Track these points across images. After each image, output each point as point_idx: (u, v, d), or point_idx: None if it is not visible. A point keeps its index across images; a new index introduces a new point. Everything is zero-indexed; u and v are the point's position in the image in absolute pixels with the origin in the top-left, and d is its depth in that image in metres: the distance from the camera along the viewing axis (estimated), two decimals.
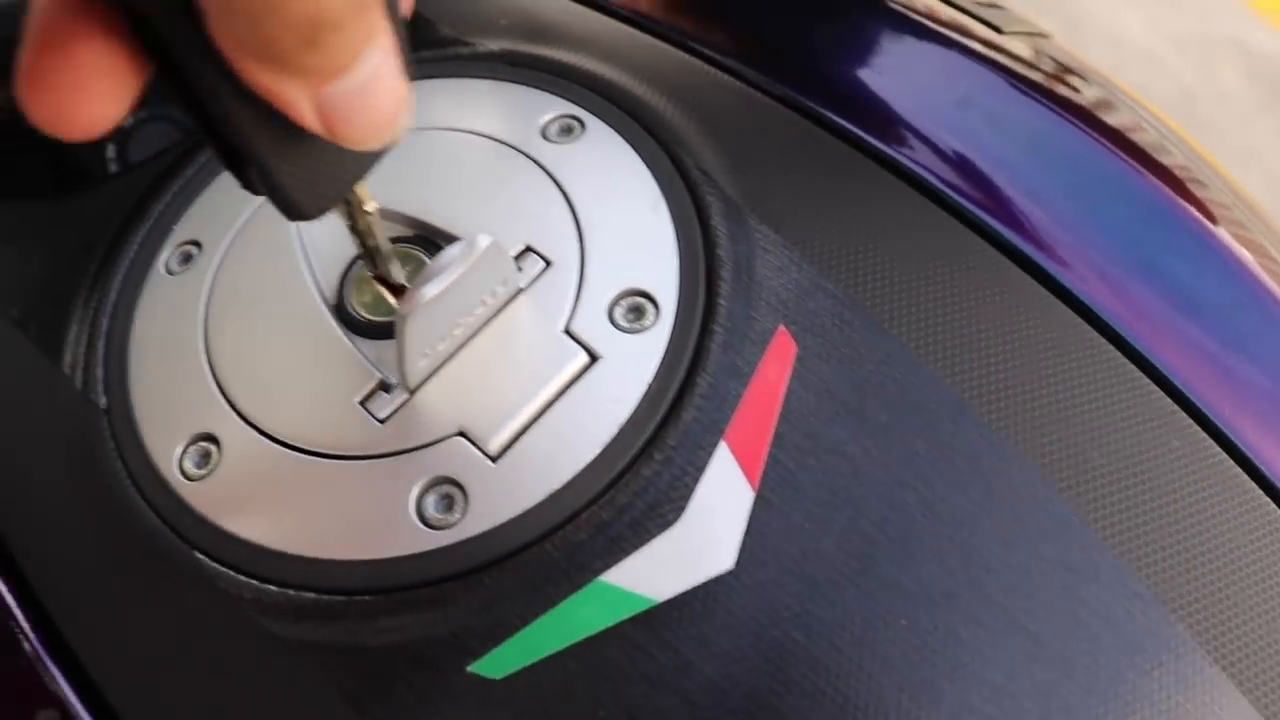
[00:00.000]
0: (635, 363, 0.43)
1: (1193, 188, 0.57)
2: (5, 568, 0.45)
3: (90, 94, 0.27)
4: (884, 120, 0.53)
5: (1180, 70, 2.42)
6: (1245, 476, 0.46)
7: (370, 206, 0.39)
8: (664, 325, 0.44)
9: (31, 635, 0.43)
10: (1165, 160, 0.58)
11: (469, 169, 0.49)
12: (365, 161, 0.36)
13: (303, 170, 0.33)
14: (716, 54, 0.55)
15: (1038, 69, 0.61)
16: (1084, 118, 0.57)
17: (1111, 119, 0.59)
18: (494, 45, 0.56)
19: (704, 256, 0.46)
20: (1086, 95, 0.61)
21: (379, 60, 0.28)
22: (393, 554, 0.40)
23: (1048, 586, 0.41)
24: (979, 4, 0.63)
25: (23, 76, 0.26)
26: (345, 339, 0.45)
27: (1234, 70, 2.44)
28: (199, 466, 0.44)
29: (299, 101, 0.28)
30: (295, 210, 0.34)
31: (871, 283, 0.46)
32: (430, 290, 0.38)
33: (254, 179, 0.33)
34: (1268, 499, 0.46)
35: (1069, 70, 0.64)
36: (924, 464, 0.42)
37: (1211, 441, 0.46)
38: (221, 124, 0.30)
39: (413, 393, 0.43)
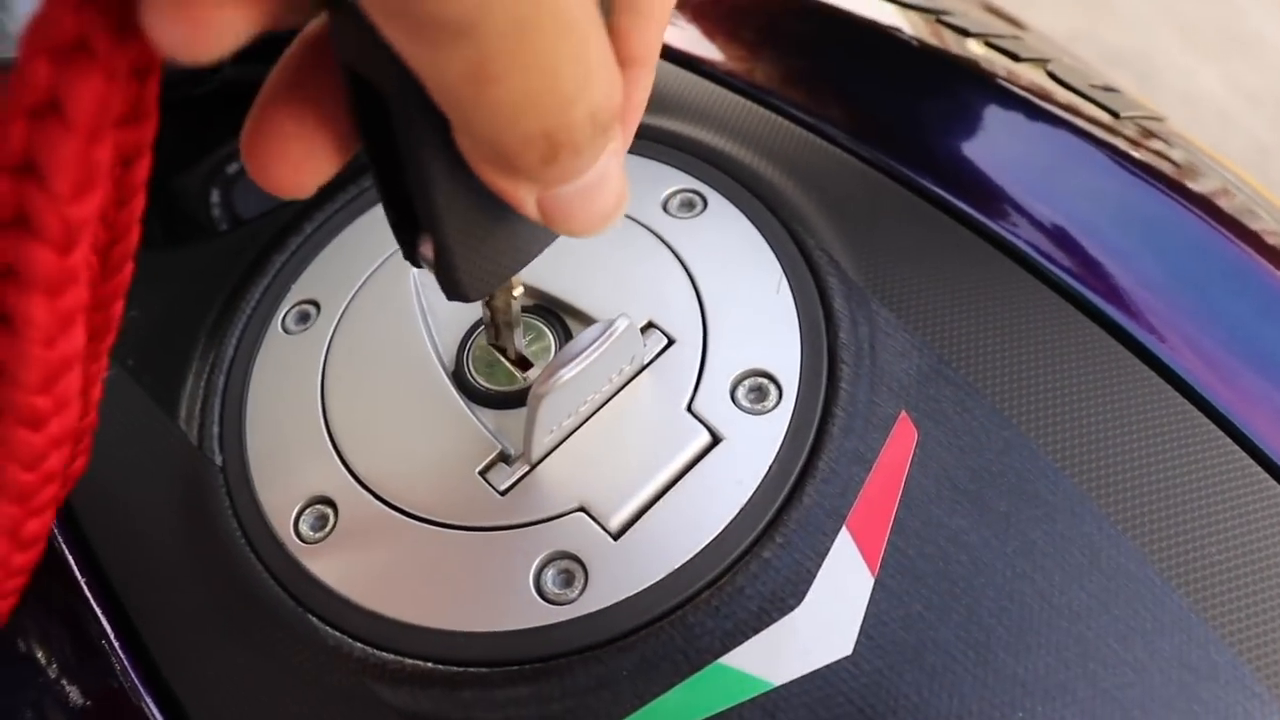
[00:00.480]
0: (757, 444, 0.43)
1: None
2: (118, 624, 0.45)
3: (297, 159, 0.28)
4: (1004, 205, 0.53)
5: (1255, 127, 2.39)
6: None
7: (518, 291, 0.40)
8: (786, 407, 0.44)
9: (144, 695, 0.44)
10: (1255, 225, 0.57)
11: (593, 242, 0.50)
12: (536, 249, 0.37)
13: (479, 255, 0.34)
14: (835, 130, 0.56)
15: (1145, 148, 0.61)
16: (1204, 207, 0.57)
17: (1198, 185, 0.59)
18: None
19: (826, 338, 0.46)
20: (1206, 184, 0.61)
21: (607, 164, 0.28)
22: (510, 627, 0.41)
23: (1164, 684, 0.40)
24: (1096, 88, 0.63)
25: (245, 132, 0.28)
26: (465, 407, 0.46)
27: None
28: (315, 530, 0.44)
29: (525, 198, 0.28)
30: (459, 292, 0.35)
31: (992, 370, 0.46)
32: (568, 372, 0.39)
33: (422, 254, 0.34)
34: None
35: (1151, 134, 0.63)
36: (1042, 555, 0.42)
37: None
38: (422, 203, 0.30)
39: (534, 466, 0.44)
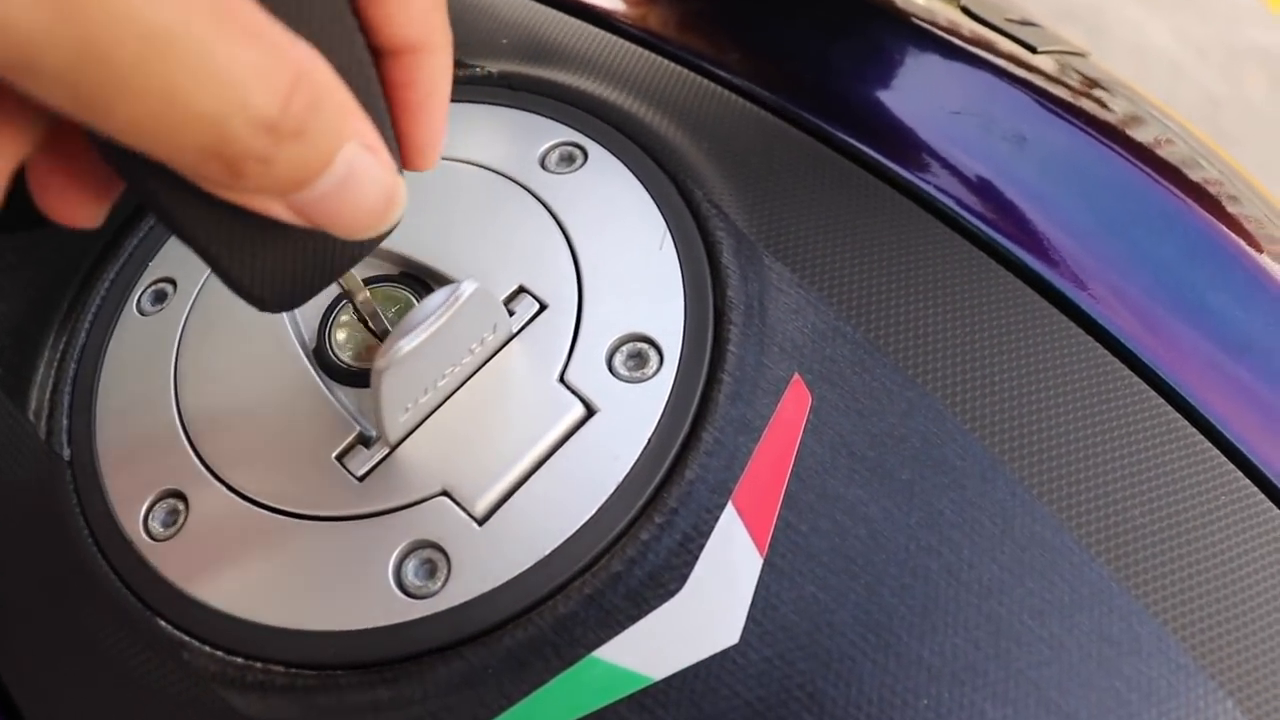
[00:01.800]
0: (635, 415, 0.40)
1: (1227, 204, 0.53)
2: None
3: (74, 203, 0.30)
4: (908, 146, 0.49)
5: (1205, 79, 2.39)
6: None
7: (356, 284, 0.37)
8: (667, 374, 0.40)
9: None
10: (1198, 176, 0.54)
11: (461, 201, 0.46)
12: (343, 257, 0.33)
13: (261, 267, 0.31)
14: (730, 75, 0.52)
15: (1065, 85, 0.57)
16: (1114, 137, 0.54)
17: (1141, 135, 0.55)
18: (494, 67, 0.53)
19: (712, 298, 0.42)
20: (1116, 111, 0.57)
21: (356, 157, 0.27)
22: (368, 625, 0.37)
23: (1084, 660, 0.37)
24: (1012, 22, 0.59)
25: (28, 180, 0.29)
26: (323, 387, 0.42)
27: (1259, 79, 2.40)
28: (165, 526, 0.41)
29: (268, 206, 0.27)
30: (260, 305, 0.32)
31: (896, 327, 0.43)
32: (408, 343, 0.35)
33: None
34: None
35: (1097, 85, 0.60)
36: (949, 526, 0.38)
37: (1261, 494, 0.43)
38: (171, 227, 0.29)
39: (394, 448, 0.40)
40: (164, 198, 0.27)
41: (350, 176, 0.27)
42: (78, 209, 0.30)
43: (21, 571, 0.43)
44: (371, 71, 0.31)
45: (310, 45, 0.25)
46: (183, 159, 0.24)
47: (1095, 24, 2.48)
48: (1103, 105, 0.56)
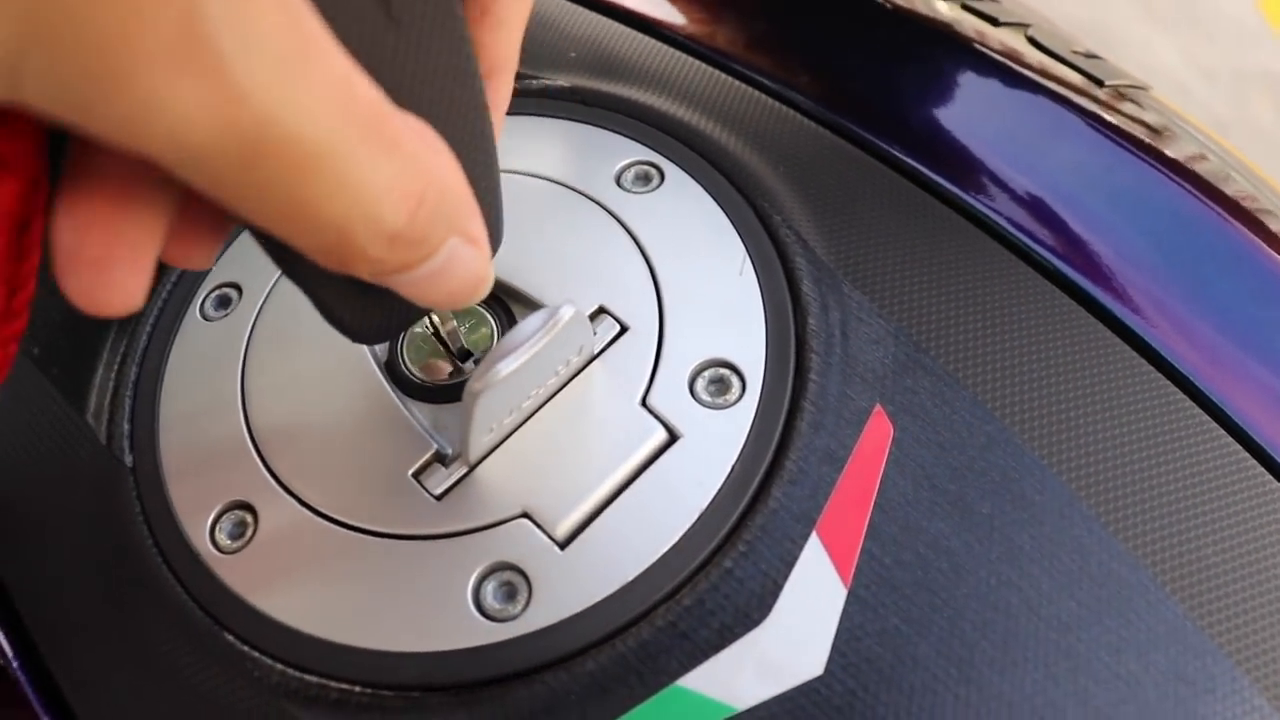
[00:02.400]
0: (718, 442, 0.40)
1: (1265, 219, 0.53)
2: (16, 640, 0.42)
3: (122, 279, 0.28)
4: (985, 179, 0.49)
5: (1212, 102, 2.40)
6: None
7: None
8: (750, 401, 0.40)
9: (44, 717, 0.40)
10: (1230, 190, 0.54)
11: (537, 217, 0.46)
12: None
13: (362, 309, 0.33)
14: (802, 98, 0.52)
15: (1131, 119, 0.57)
16: (1181, 174, 0.54)
17: (1172, 149, 0.55)
18: (563, 80, 0.53)
19: (793, 325, 0.42)
20: (1180, 146, 0.57)
21: (457, 249, 0.28)
22: (446, 647, 0.37)
23: (1160, 699, 0.37)
24: (1077, 54, 0.59)
25: (54, 257, 0.27)
26: (398, 402, 0.42)
27: (1266, 103, 2.41)
28: (232, 538, 0.41)
29: (368, 278, 0.28)
30: (355, 338, 0.34)
31: (973, 359, 0.43)
32: (507, 366, 0.35)
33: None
34: None
35: (1122, 96, 0.60)
36: (1029, 561, 0.38)
37: None
38: (285, 270, 0.31)
39: (473, 467, 0.40)
40: (272, 246, 0.29)
41: (447, 265, 0.28)
42: (192, 253, 0.30)
43: (81, 580, 0.42)
44: (492, 141, 0.33)
45: (442, 140, 0.27)
46: (303, 247, 0.25)
47: (1102, 41, 2.48)
48: (1166, 139, 0.56)
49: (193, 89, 0.20)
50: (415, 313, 0.35)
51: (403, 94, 0.27)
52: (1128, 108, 0.58)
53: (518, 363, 0.35)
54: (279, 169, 0.22)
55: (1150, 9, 2.60)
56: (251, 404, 0.43)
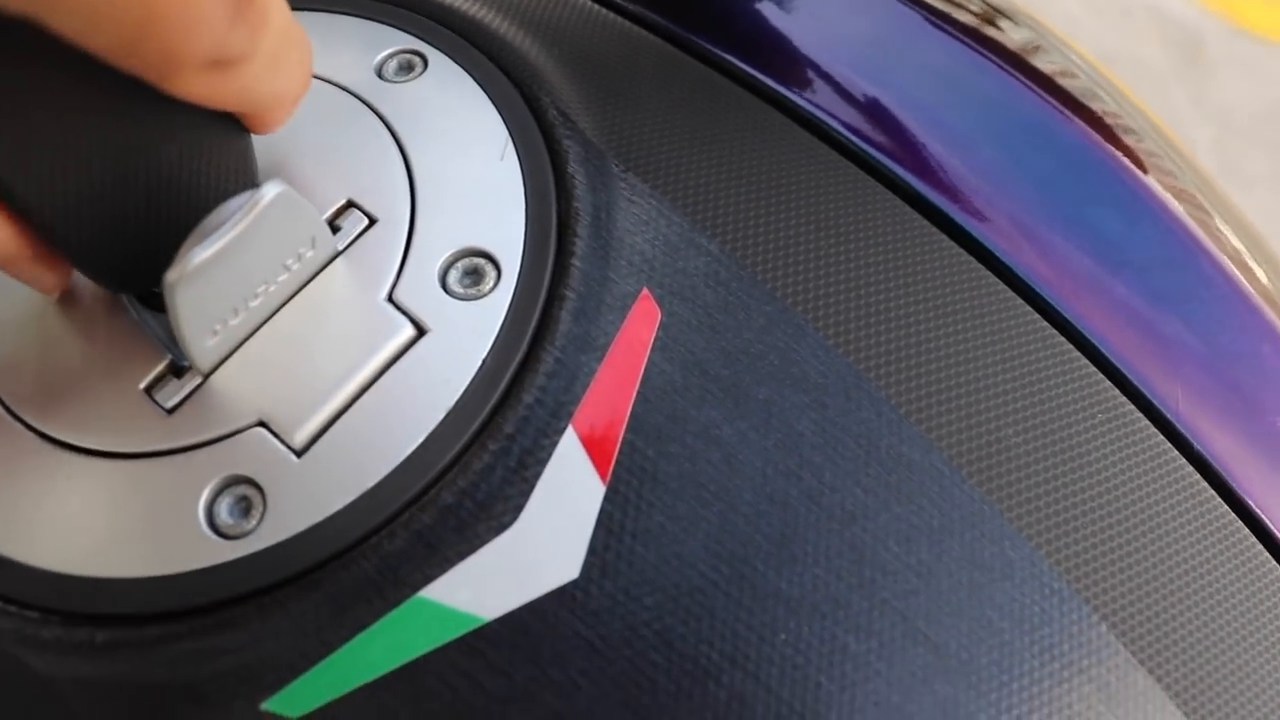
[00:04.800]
0: (469, 335, 0.36)
1: (1123, 135, 0.51)
2: None
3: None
4: (776, 53, 0.47)
5: (1099, 35, 2.41)
6: (1175, 451, 0.41)
7: None
8: (505, 290, 0.37)
9: None
10: (1095, 106, 0.52)
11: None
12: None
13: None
14: None
15: (964, 9, 0.54)
16: (1005, 58, 0.51)
17: (1039, 62, 0.53)
18: None
19: (555, 209, 0.39)
20: (1013, 37, 0.55)
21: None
22: (176, 570, 0.34)
23: (954, 588, 0.35)
24: None
25: None
26: (130, 310, 0.38)
27: (1151, 37, 2.43)
28: None
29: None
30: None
31: (754, 238, 0.40)
32: (202, 253, 0.31)
33: None
34: (1199, 477, 0.40)
35: (997, 11, 0.58)
36: (810, 448, 0.36)
37: (1139, 413, 0.41)
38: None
39: (206, 377, 0.36)
40: None
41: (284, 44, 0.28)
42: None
43: None
44: None
45: None
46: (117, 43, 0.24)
47: None
48: (999, 29, 0.54)
49: None
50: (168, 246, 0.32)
51: None
52: (1002, 22, 0.55)
53: (214, 248, 0.32)
54: None
55: None
56: None
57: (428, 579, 0.33)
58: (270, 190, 0.32)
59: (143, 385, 0.37)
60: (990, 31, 0.54)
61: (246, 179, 0.36)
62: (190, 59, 0.25)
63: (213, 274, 0.32)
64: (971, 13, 0.55)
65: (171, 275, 0.31)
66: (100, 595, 0.34)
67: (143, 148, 0.32)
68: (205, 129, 0.34)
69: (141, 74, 0.26)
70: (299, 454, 0.35)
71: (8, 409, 0.37)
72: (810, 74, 0.46)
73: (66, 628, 0.34)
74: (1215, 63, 2.39)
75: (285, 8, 0.27)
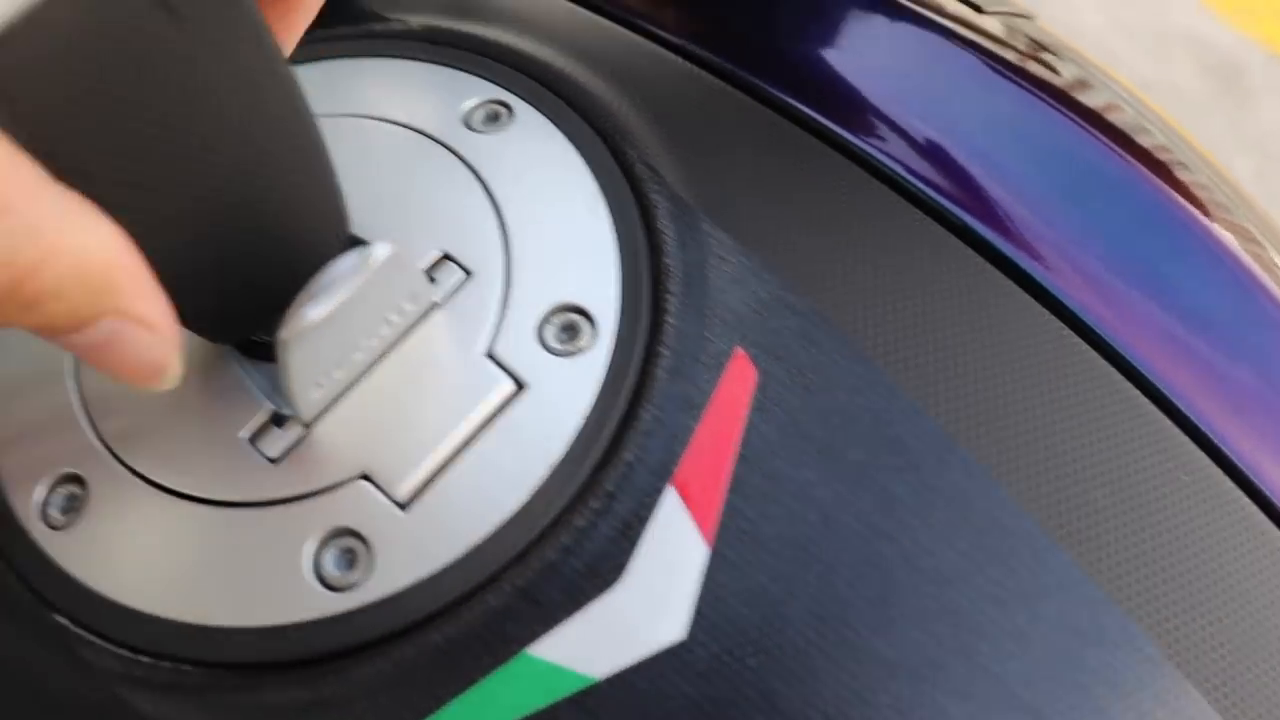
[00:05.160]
0: (568, 392, 0.37)
1: (1176, 171, 0.52)
2: None
3: None
4: (852, 108, 0.47)
5: (1135, 62, 2.42)
6: (1262, 515, 0.41)
7: None
8: (602, 347, 0.37)
9: None
10: (1147, 143, 0.52)
11: (379, 162, 0.43)
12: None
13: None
14: (664, 32, 0.49)
15: (1013, 48, 0.55)
16: (1064, 101, 0.51)
17: (1090, 100, 0.53)
18: (416, 22, 0.49)
19: (649, 266, 0.39)
20: (1064, 75, 0.55)
21: (118, 329, 0.28)
22: (283, 620, 0.34)
23: (1049, 652, 0.35)
24: None
25: None
26: (233, 361, 0.38)
27: (1187, 64, 2.43)
28: (64, 512, 0.37)
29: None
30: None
31: (845, 297, 0.40)
32: (315, 312, 0.32)
33: None
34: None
35: (1044, 49, 0.58)
36: (905, 511, 0.36)
37: (1219, 469, 0.41)
38: None
39: (309, 428, 0.37)
40: None
41: (109, 345, 0.28)
42: None
43: None
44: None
45: (101, 215, 0.26)
46: None
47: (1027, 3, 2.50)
48: (1051, 69, 0.54)
49: None
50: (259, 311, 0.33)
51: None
52: (1047, 58, 0.56)
53: (328, 308, 0.32)
54: None
55: None
56: (82, 368, 0.40)
57: (534, 635, 0.33)
58: (382, 251, 0.33)
59: (246, 434, 0.37)
60: (1041, 71, 0.54)
61: (342, 229, 0.37)
62: None
63: (324, 331, 0.33)
64: (1019, 51, 0.55)
65: (286, 333, 0.32)
66: (208, 642, 0.34)
67: (254, 200, 0.32)
68: (309, 181, 0.34)
69: None
70: (403, 507, 0.35)
71: (112, 452, 0.38)
72: (887, 127, 0.47)
73: (175, 673, 0.34)
74: (1255, 89, 2.39)
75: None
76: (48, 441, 0.39)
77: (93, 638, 0.35)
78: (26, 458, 0.39)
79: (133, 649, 0.35)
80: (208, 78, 0.28)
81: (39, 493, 0.38)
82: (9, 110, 0.24)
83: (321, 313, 0.32)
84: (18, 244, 0.24)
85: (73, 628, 0.35)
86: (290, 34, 0.36)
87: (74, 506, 0.37)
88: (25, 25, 0.24)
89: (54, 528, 0.37)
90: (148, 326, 0.28)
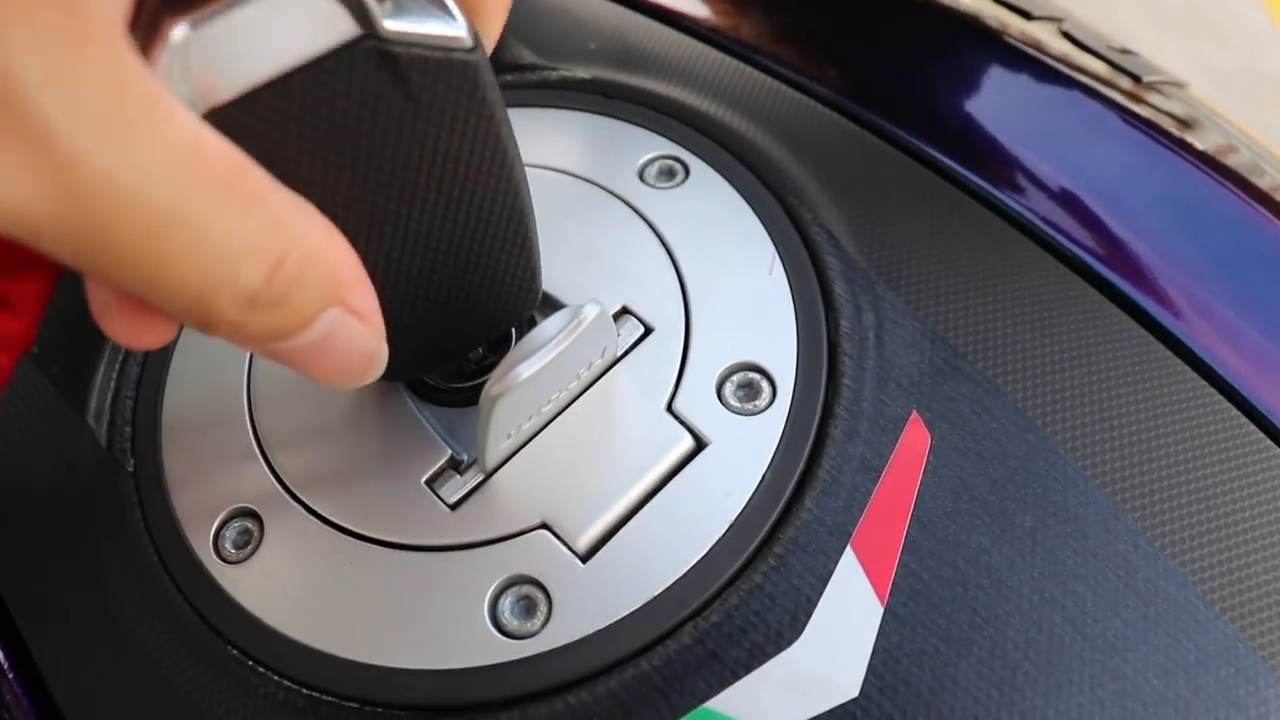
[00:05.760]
0: (748, 449, 0.38)
1: None
2: (12, 653, 0.40)
3: (142, 329, 0.30)
4: (1021, 177, 0.47)
5: (1223, 106, 2.38)
6: None
7: None
8: (781, 406, 0.38)
9: None
10: (1264, 184, 0.52)
11: (558, 213, 0.44)
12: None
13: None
14: (830, 92, 0.50)
15: (1173, 117, 0.55)
16: (1225, 174, 0.52)
17: (1199, 139, 0.53)
18: (583, 72, 0.51)
19: (826, 327, 0.40)
20: (1171, 111, 0.55)
21: (336, 321, 0.28)
22: (461, 665, 0.35)
23: None
24: (1113, 49, 0.57)
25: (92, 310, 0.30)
26: (411, 406, 0.40)
27: (1276, 107, 2.38)
28: (238, 547, 0.39)
29: (249, 347, 0.29)
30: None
31: (1012, 364, 0.41)
32: (526, 369, 0.33)
33: None
34: None
35: (1198, 118, 0.58)
36: (1073, 578, 0.36)
37: None
38: None
39: (489, 475, 0.38)
40: None
41: (328, 339, 0.28)
42: (144, 335, 0.30)
43: (80, 591, 0.40)
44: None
45: (316, 211, 0.27)
46: (165, 308, 0.25)
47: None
48: (1196, 131, 0.54)
49: (17, 158, 0.20)
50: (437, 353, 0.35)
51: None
52: (1156, 99, 0.56)
53: (538, 365, 0.33)
54: (123, 232, 0.22)
55: (1158, 12, 2.58)
56: (258, 407, 0.41)
57: (712, 690, 0.34)
58: (591, 311, 0.34)
59: (425, 479, 0.38)
60: (1194, 138, 0.54)
61: (536, 297, 0.38)
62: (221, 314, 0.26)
63: (530, 387, 0.34)
64: (1176, 119, 0.55)
65: (496, 389, 0.33)
66: (387, 685, 0.35)
67: (458, 265, 0.34)
68: (513, 262, 0.36)
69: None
70: (583, 559, 0.36)
71: (287, 489, 0.39)
72: (1048, 197, 0.47)
73: (361, 713, 0.35)
74: None
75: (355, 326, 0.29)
76: (224, 478, 0.40)
77: (266, 671, 0.36)
78: (203, 494, 0.40)
79: (309, 686, 0.36)
80: (432, 152, 0.30)
81: (213, 526, 0.39)
82: (248, 142, 0.25)
83: (532, 370, 0.33)
84: (269, 232, 0.25)
85: (244, 659, 0.37)
86: None
87: (248, 541, 0.39)
88: (268, 89, 0.26)
89: (227, 561, 0.38)
90: (362, 318, 0.29)
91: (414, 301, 0.34)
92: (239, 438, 0.41)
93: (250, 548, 0.38)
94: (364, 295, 0.28)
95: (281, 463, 0.40)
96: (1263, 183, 0.51)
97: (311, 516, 0.38)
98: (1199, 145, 0.52)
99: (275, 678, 0.36)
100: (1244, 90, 2.43)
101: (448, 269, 0.33)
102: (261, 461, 0.40)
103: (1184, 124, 0.55)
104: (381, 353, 0.30)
